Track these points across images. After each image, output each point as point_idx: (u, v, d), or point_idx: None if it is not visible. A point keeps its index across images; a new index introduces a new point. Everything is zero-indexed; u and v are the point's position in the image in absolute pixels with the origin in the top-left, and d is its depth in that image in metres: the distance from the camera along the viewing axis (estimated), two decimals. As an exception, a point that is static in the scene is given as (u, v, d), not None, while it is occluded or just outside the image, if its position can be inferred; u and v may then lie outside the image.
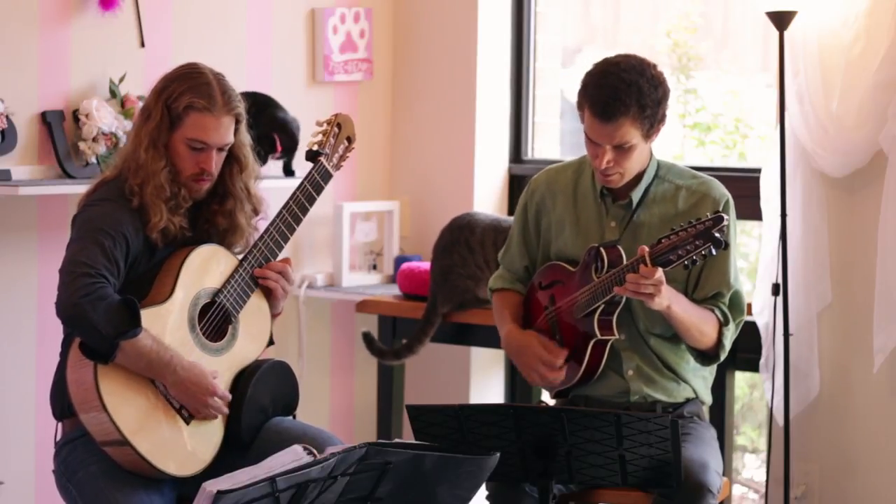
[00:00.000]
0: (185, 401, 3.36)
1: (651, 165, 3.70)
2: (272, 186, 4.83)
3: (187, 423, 3.37)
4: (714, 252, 3.42)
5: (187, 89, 3.42)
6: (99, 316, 3.23)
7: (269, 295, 3.56)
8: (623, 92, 3.52)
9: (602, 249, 3.60)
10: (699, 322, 3.61)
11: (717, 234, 3.39)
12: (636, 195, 3.68)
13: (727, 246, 3.44)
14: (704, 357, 3.70)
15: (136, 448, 3.26)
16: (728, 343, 3.67)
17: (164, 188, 3.41)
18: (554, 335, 3.70)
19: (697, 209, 3.67)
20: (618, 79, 3.54)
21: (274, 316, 3.59)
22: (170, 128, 3.43)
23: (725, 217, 3.42)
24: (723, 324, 3.65)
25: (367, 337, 4.90)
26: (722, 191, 3.71)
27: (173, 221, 3.43)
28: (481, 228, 4.73)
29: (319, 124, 3.68)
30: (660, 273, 3.45)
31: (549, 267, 3.77)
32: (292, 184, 3.61)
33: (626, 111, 3.52)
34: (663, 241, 3.45)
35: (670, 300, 3.51)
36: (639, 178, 3.68)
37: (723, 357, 3.68)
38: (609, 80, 3.55)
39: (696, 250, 3.41)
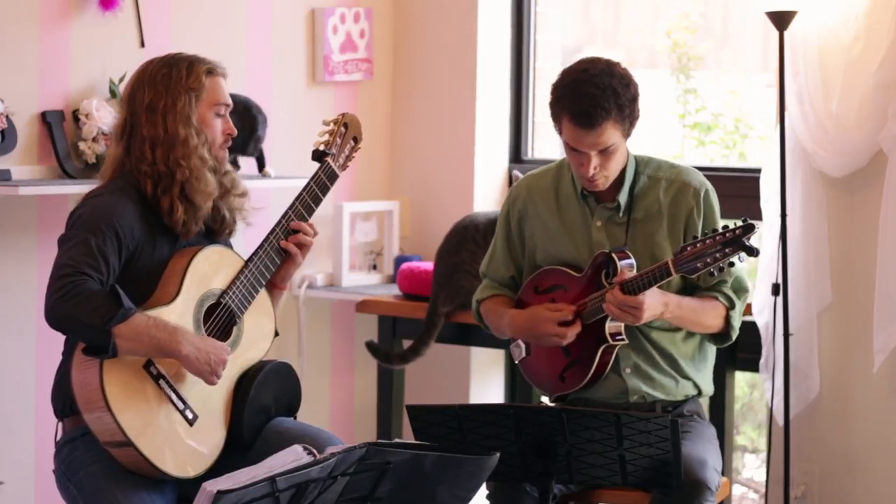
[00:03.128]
0: (201, 367, 3.32)
1: (630, 164, 3.71)
2: (274, 187, 4.84)
3: (191, 424, 3.37)
4: (742, 260, 3.44)
5: (193, 62, 3.49)
6: (81, 310, 3.21)
7: (282, 264, 3.57)
8: (600, 97, 3.53)
9: (613, 255, 3.60)
10: (701, 318, 3.65)
11: (748, 243, 3.41)
12: (623, 197, 3.69)
13: (759, 253, 3.46)
14: (715, 338, 3.73)
15: (139, 450, 3.25)
16: (737, 322, 3.70)
17: (207, 159, 3.47)
18: (558, 341, 3.71)
19: (679, 199, 3.69)
20: (592, 85, 3.55)
21: (285, 279, 3.60)
22: (195, 101, 3.47)
23: (756, 224, 3.43)
24: (729, 308, 3.68)
25: (371, 346, 4.90)
26: (701, 179, 3.73)
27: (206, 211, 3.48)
28: (483, 225, 4.74)
29: (326, 124, 3.68)
30: (635, 301, 3.48)
31: (547, 271, 3.76)
32: (296, 184, 3.61)
33: (608, 115, 3.54)
34: (688, 248, 3.46)
35: (664, 310, 3.55)
36: (621, 179, 3.69)
37: (734, 336, 3.71)
38: (584, 88, 3.56)
39: (725, 258, 3.44)
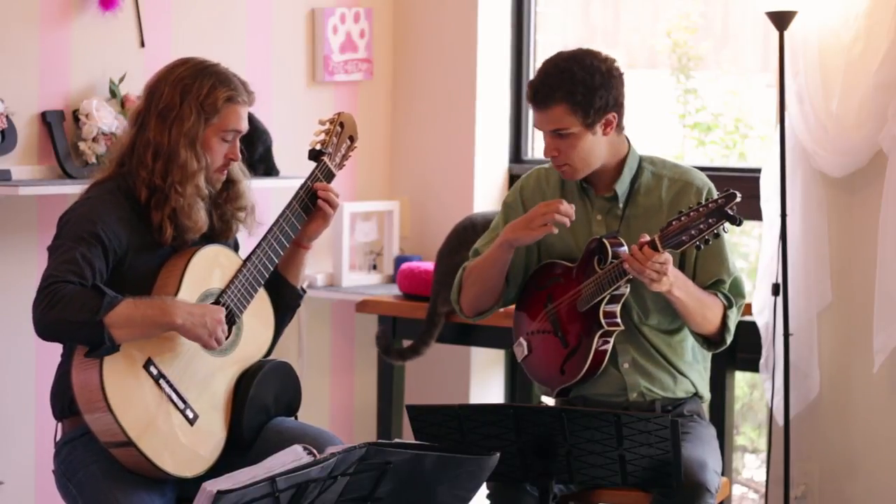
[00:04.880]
0: (199, 332, 3.30)
1: (631, 157, 3.72)
2: (272, 186, 4.84)
3: (191, 423, 3.37)
4: (726, 230, 3.43)
5: (217, 83, 3.44)
6: (67, 311, 3.21)
7: (312, 219, 3.57)
8: (552, 77, 3.59)
9: (605, 241, 3.61)
10: (702, 307, 3.62)
11: (730, 212, 3.41)
12: (621, 188, 3.70)
13: (742, 222, 3.45)
14: (710, 343, 3.70)
15: (140, 450, 3.25)
16: (732, 326, 3.67)
17: (202, 188, 3.44)
18: (556, 332, 3.71)
19: (681, 198, 3.69)
20: (552, 65, 3.63)
21: (311, 237, 3.60)
22: (204, 125, 3.44)
23: (738, 194, 3.43)
24: (727, 307, 3.66)
25: (379, 337, 4.92)
26: (704, 179, 3.74)
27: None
28: (481, 225, 4.74)
29: (322, 123, 3.68)
30: (663, 256, 3.46)
31: (543, 267, 3.77)
32: (296, 185, 3.61)
33: (553, 93, 3.58)
34: (673, 223, 3.46)
35: (672, 284, 3.53)
36: (619, 170, 3.70)
37: (728, 340, 3.68)
38: (544, 67, 3.65)
39: (710, 229, 3.43)
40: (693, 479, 3.43)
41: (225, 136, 3.46)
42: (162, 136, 3.42)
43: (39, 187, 4.32)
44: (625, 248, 3.59)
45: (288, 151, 4.93)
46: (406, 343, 4.97)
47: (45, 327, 3.25)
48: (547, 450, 3.33)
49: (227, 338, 3.43)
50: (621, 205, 3.71)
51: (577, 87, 3.57)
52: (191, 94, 3.43)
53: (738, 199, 3.42)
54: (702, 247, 3.47)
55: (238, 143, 3.50)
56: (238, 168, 3.57)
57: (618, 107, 3.64)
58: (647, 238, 3.49)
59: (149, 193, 3.41)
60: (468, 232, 4.78)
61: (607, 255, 3.59)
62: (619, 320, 3.63)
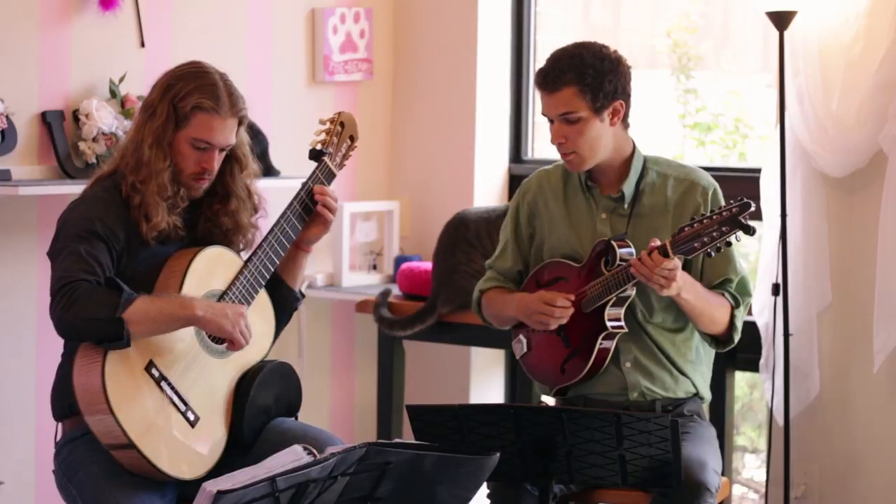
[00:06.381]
0: (221, 322, 3.31)
1: (636, 158, 3.72)
2: (272, 186, 4.83)
3: (192, 425, 3.36)
4: (738, 239, 3.43)
5: (194, 89, 3.41)
6: (86, 311, 3.21)
7: (312, 224, 3.57)
8: (563, 61, 3.63)
9: (612, 243, 3.60)
10: (711, 308, 3.63)
11: (744, 220, 3.41)
12: (627, 188, 3.70)
13: (755, 232, 3.45)
14: (717, 342, 3.71)
15: (141, 451, 3.25)
16: (739, 324, 3.68)
17: (166, 187, 3.41)
18: (559, 331, 3.70)
19: (687, 198, 3.70)
20: (562, 52, 3.67)
21: (311, 241, 3.60)
22: (175, 127, 3.42)
23: (752, 203, 3.43)
24: (734, 307, 3.67)
25: (382, 296, 4.89)
26: (709, 179, 3.75)
27: (168, 220, 3.43)
28: (475, 223, 4.74)
29: (322, 123, 3.67)
30: (672, 263, 3.46)
31: (549, 264, 3.77)
32: (296, 185, 3.61)
33: (563, 76, 3.60)
34: (685, 229, 3.46)
35: (681, 287, 3.53)
36: (626, 170, 3.69)
37: (736, 339, 3.69)
38: (554, 54, 3.68)
39: (722, 237, 3.43)
40: (693, 479, 3.43)
41: (196, 144, 3.44)
42: (138, 132, 3.44)
43: (39, 187, 4.32)
44: (632, 250, 3.59)
45: (288, 151, 4.93)
46: (406, 344, 4.97)
47: (65, 327, 3.26)
48: (547, 450, 3.33)
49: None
50: (626, 205, 3.71)
51: (587, 70, 3.59)
52: (169, 94, 3.42)
53: (753, 209, 3.43)
54: (712, 254, 3.47)
55: (216, 155, 3.45)
56: (241, 189, 3.55)
57: (625, 96, 3.66)
58: (658, 243, 3.49)
59: (128, 189, 3.42)
60: (459, 231, 4.78)
61: (615, 257, 3.59)
62: (623, 323, 3.63)
